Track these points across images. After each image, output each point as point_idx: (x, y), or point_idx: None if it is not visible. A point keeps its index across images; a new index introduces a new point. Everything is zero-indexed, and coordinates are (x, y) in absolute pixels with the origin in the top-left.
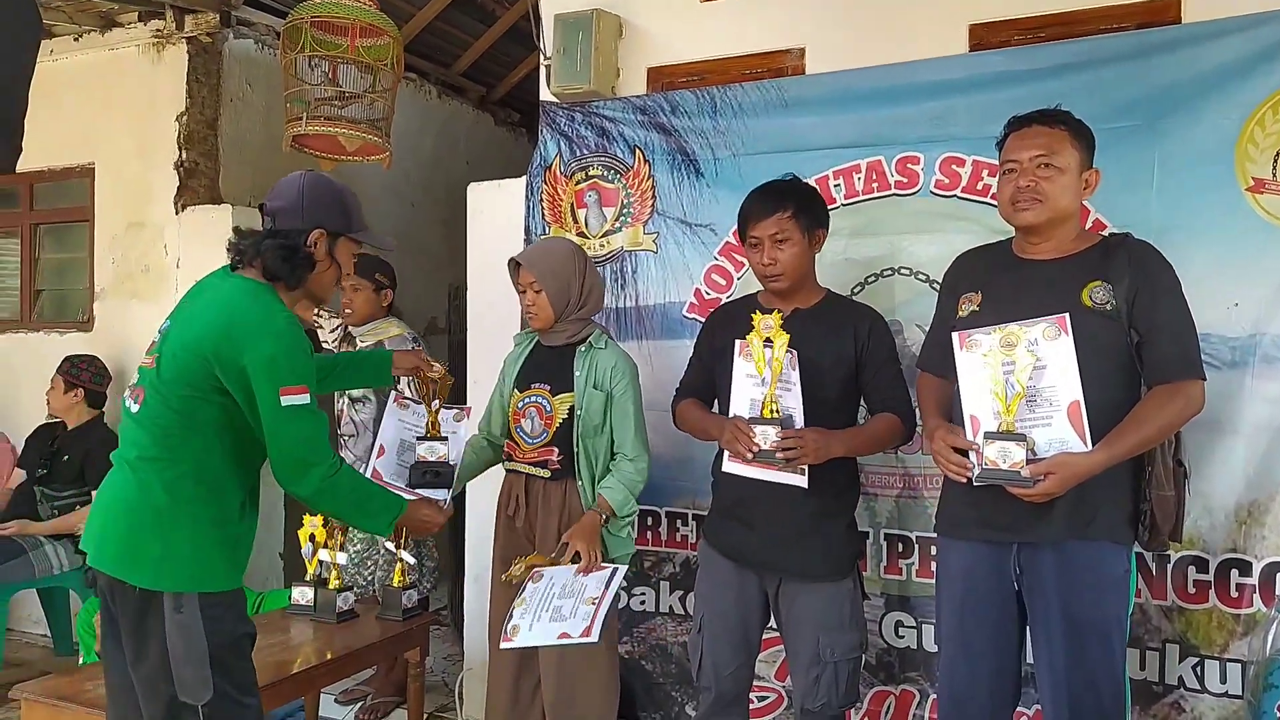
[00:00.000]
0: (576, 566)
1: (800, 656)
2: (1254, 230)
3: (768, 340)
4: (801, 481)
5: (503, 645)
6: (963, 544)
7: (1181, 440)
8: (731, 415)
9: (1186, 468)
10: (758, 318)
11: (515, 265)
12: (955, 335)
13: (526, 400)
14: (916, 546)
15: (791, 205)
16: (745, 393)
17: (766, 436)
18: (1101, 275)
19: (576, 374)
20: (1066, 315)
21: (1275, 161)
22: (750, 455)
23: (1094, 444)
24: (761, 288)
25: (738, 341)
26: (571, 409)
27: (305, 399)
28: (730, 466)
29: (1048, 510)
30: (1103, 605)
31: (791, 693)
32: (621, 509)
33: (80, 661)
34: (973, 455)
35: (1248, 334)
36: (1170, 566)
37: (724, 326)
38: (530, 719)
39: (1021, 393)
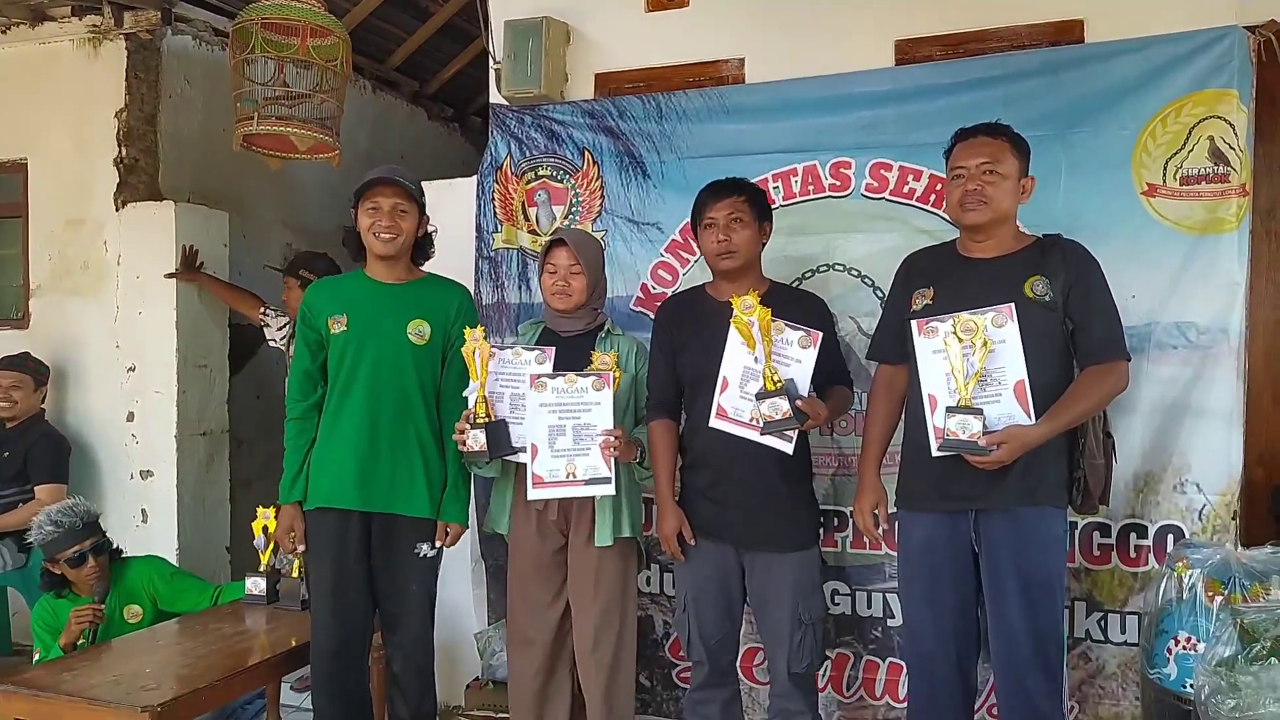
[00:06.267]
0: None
1: (780, 623)
2: (1148, 229)
3: (751, 321)
4: (788, 447)
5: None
6: (924, 516)
7: (1108, 414)
8: (720, 379)
9: (1114, 439)
10: (736, 301)
11: (553, 244)
12: (914, 323)
13: None
14: (850, 521)
15: (745, 193)
16: (739, 361)
17: (777, 408)
18: (1040, 270)
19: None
20: (1012, 305)
21: (1165, 168)
22: (760, 434)
23: (1037, 418)
24: (709, 279)
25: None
26: None
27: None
28: (717, 423)
29: (1000, 479)
30: (1049, 564)
31: (763, 666)
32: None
33: (35, 659)
34: (931, 430)
35: (1144, 323)
36: (1078, 532)
37: (677, 318)
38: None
39: (979, 372)
